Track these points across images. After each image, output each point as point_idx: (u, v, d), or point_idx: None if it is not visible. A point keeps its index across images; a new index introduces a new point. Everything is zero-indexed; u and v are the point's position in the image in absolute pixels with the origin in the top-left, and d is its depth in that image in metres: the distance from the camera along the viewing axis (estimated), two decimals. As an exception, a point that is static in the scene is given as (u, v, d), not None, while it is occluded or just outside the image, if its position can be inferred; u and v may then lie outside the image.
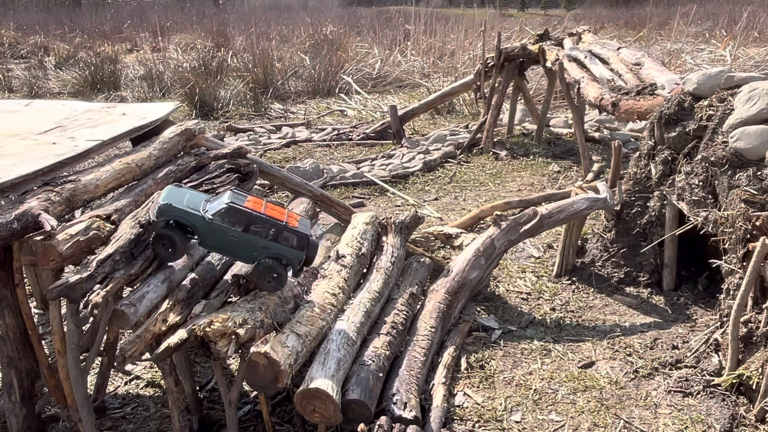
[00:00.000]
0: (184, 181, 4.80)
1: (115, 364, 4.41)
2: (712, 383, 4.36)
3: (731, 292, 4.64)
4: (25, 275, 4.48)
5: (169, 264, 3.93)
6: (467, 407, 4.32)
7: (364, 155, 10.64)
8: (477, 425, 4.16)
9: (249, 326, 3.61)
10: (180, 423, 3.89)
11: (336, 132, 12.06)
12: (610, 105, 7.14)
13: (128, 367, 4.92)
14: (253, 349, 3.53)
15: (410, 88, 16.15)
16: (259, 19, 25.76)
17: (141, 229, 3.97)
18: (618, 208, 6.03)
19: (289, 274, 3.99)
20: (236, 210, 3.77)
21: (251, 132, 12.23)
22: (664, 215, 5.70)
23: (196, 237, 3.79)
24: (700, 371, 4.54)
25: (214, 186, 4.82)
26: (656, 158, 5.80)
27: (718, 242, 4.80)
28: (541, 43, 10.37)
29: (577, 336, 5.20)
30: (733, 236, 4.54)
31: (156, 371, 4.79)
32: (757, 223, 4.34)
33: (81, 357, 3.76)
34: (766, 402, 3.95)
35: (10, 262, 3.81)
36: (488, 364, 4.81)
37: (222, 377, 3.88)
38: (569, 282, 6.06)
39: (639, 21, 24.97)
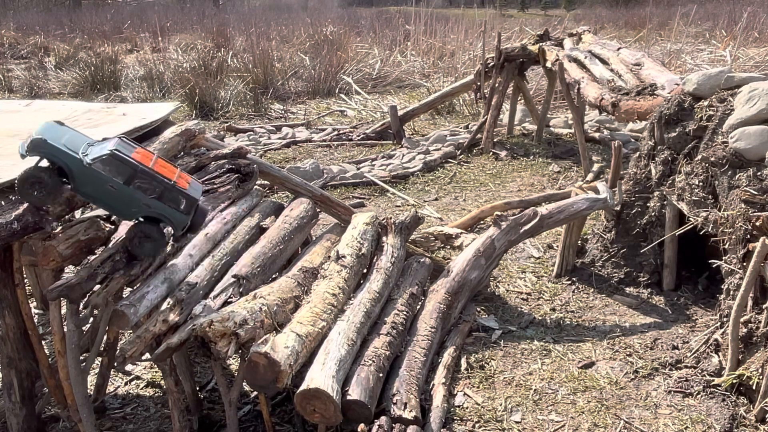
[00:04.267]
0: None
1: (115, 364, 4.41)
2: (712, 383, 4.36)
3: (731, 292, 4.63)
4: (25, 275, 4.48)
5: (170, 263, 3.91)
6: (467, 407, 4.32)
7: (364, 155, 10.64)
8: (477, 425, 4.16)
9: (249, 326, 3.61)
10: (180, 423, 3.89)
11: (336, 132, 12.06)
12: (610, 105, 7.14)
13: (128, 367, 4.92)
14: (253, 349, 3.53)
15: (410, 88, 16.15)
16: (259, 19, 25.75)
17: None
18: (618, 208, 6.03)
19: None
20: (120, 158, 3.44)
21: (251, 132, 12.23)
22: (664, 215, 5.70)
23: (69, 182, 3.45)
24: (700, 371, 4.53)
25: (215, 186, 4.83)
26: (656, 158, 5.80)
27: (718, 242, 4.80)
28: (541, 44, 10.37)
29: (577, 336, 5.20)
30: (733, 236, 4.54)
31: (156, 371, 4.79)
32: (757, 223, 4.34)
33: (81, 357, 3.76)
34: (766, 402, 3.94)
35: (10, 262, 3.82)
36: (488, 364, 4.81)
37: (222, 377, 3.88)
38: (569, 282, 6.06)
39: (639, 21, 24.96)
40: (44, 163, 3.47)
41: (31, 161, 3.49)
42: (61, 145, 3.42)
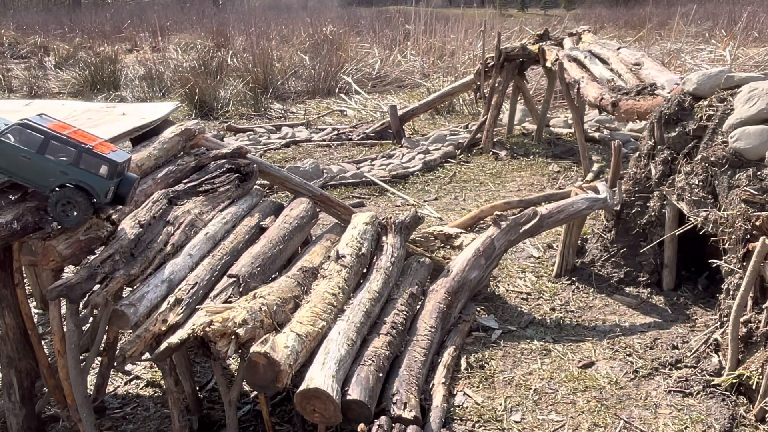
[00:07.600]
0: (183, 181, 4.82)
1: (115, 364, 4.41)
2: (712, 383, 4.36)
3: (731, 292, 4.64)
4: (25, 275, 4.48)
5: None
6: (467, 407, 4.32)
7: (364, 155, 10.64)
8: (477, 425, 4.16)
9: (249, 326, 3.61)
10: (180, 423, 3.89)
11: (336, 132, 12.06)
12: (610, 105, 7.14)
13: (128, 367, 4.92)
14: (253, 349, 3.53)
15: (410, 88, 16.15)
16: (259, 19, 25.76)
17: (141, 229, 3.98)
18: (618, 208, 6.03)
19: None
20: (30, 127, 3.37)
21: (251, 132, 12.23)
22: (664, 215, 5.70)
23: None
24: (700, 371, 4.54)
25: (214, 186, 4.83)
26: (656, 158, 5.80)
27: (718, 242, 4.80)
28: (541, 43, 10.37)
29: (577, 336, 5.20)
30: (733, 236, 4.54)
31: (156, 371, 4.79)
32: (757, 223, 4.34)
33: (81, 357, 3.76)
34: (765, 402, 3.94)
35: (10, 262, 3.82)
36: (488, 364, 4.81)
37: (222, 377, 3.88)
38: (569, 282, 6.06)
39: (639, 21, 24.96)
40: None
41: None
42: None
